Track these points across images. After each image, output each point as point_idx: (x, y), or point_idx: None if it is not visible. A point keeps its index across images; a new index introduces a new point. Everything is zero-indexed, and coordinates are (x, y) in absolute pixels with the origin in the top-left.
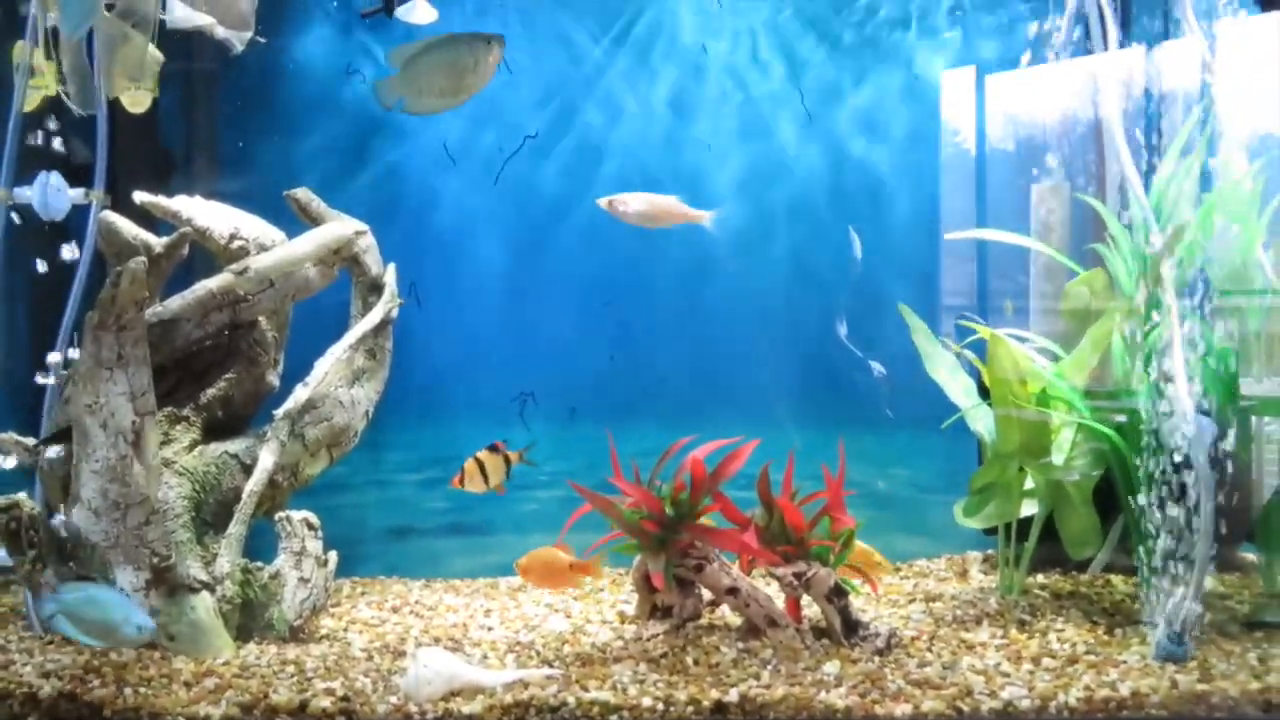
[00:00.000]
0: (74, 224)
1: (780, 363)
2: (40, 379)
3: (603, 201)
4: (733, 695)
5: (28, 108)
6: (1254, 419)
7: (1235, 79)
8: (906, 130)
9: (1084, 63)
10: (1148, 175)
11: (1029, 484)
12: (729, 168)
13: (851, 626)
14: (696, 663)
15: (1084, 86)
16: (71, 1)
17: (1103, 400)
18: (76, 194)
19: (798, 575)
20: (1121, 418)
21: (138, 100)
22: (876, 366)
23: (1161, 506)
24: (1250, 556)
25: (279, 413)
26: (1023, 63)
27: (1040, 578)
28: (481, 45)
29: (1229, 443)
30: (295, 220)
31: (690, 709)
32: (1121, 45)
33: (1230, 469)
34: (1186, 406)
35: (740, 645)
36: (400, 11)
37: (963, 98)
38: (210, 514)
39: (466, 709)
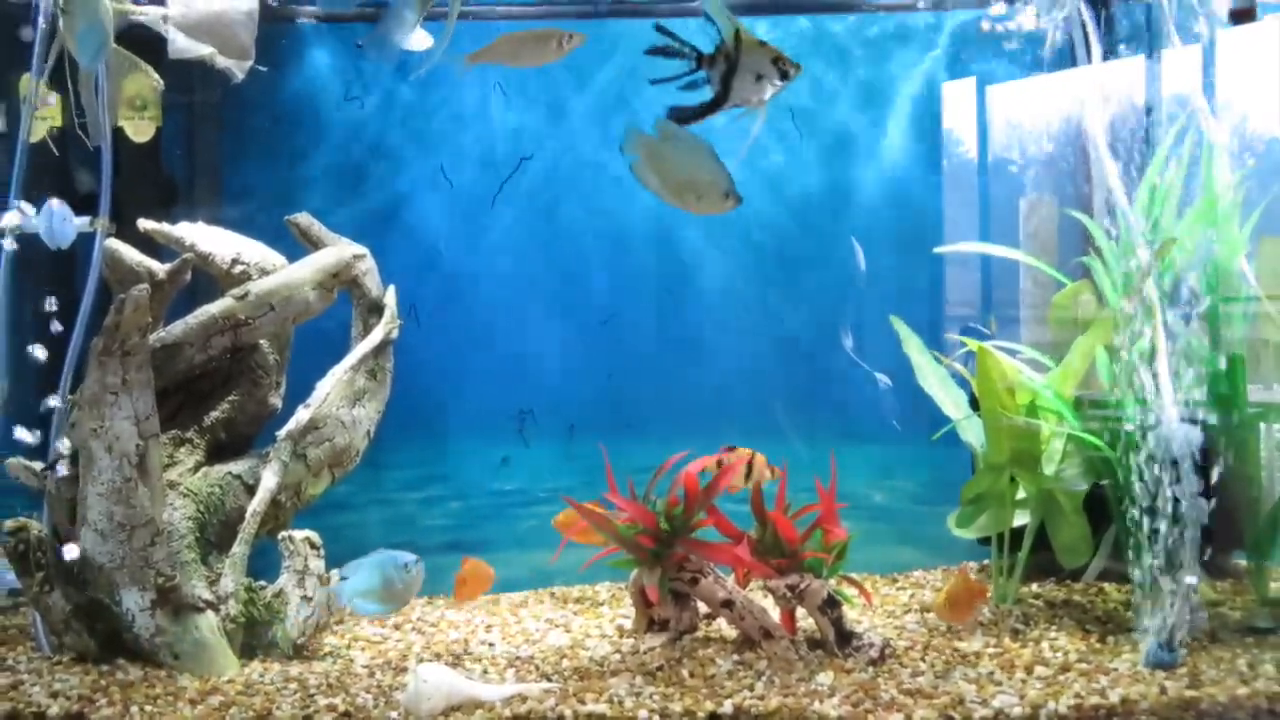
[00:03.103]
0: (80, 251)
1: (777, 377)
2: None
3: None
4: (727, 706)
5: (33, 138)
6: (1263, 426)
7: (1219, 90)
8: (906, 141)
9: (1070, 76)
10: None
11: (1021, 494)
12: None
13: (845, 637)
14: (692, 675)
15: (1072, 100)
16: (86, 35)
17: (1101, 409)
18: (82, 222)
19: (791, 587)
20: (1129, 426)
21: (142, 129)
22: (882, 378)
23: (1150, 515)
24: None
25: (281, 434)
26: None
27: (1035, 587)
28: (718, 186)
29: (1219, 450)
30: (297, 245)
31: None
32: (1105, 59)
33: (1221, 476)
34: (1171, 416)
35: (735, 657)
36: (389, 34)
37: (963, 110)
38: (214, 534)
39: None
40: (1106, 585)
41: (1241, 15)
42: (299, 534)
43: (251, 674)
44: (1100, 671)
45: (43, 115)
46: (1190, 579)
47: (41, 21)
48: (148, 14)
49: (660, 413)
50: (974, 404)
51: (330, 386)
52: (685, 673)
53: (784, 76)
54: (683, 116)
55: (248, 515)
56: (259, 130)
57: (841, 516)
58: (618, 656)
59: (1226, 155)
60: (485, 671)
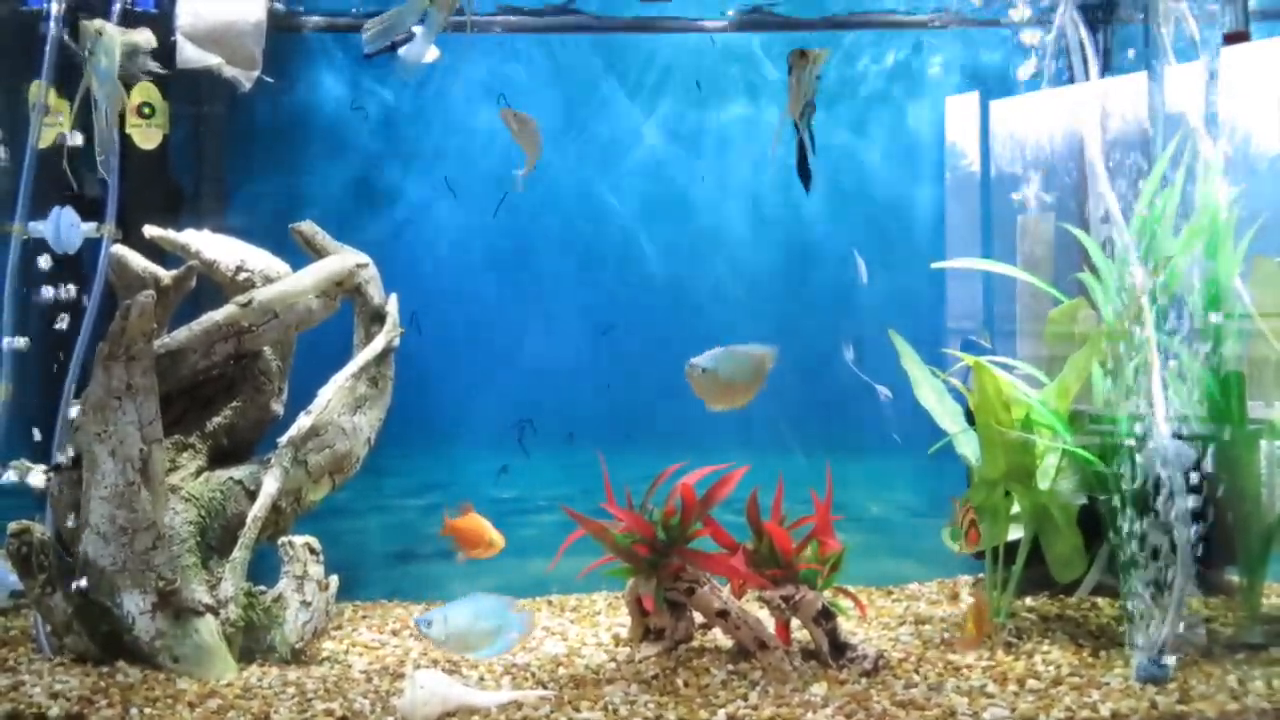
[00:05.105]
0: (87, 257)
1: (777, 389)
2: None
3: None
4: (721, 716)
5: (42, 144)
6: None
7: (1213, 109)
8: (906, 153)
9: (1067, 93)
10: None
11: (1016, 508)
12: (726, 196)
13: (839, 648)
14: (687, 684)
15: (1071, 117)
16: (103, 72)
17: (1098, 424)
18: (89, 228)
19: (786, 598)
20: (1131, 440)
21: (148, 136)
22: (883, 390)
23: (1142, 531)
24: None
25: (283, 440)
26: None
27: (1029, 600)
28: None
29: (1210, 467)
30: (301, 253)
31: None
32: (1103, 77)
33: (1216, 492)
34: (1163, 433)
35: (730, 667)
36: (403, 51)
37: (965, 124)
38: (215, 539)
39: None
40: (1100, 600)
41: (1236, 37)
42: (299, 539)
43: (250, 678)
44: (1092, 685)
45: (51, 122)
46: (1182, 594)
47: (52, 27)
48: (142, 43)
49: (659, 423)
50: (970, 418)
51: (332, 394)
52: (680, 682)
53: (790, 71)
54: (804, 176)
55: (248, 520)
56: (264, 139)
57: (837, 528)
58: (613, 665)
59: (1221, 174)
60: (482, 679)
